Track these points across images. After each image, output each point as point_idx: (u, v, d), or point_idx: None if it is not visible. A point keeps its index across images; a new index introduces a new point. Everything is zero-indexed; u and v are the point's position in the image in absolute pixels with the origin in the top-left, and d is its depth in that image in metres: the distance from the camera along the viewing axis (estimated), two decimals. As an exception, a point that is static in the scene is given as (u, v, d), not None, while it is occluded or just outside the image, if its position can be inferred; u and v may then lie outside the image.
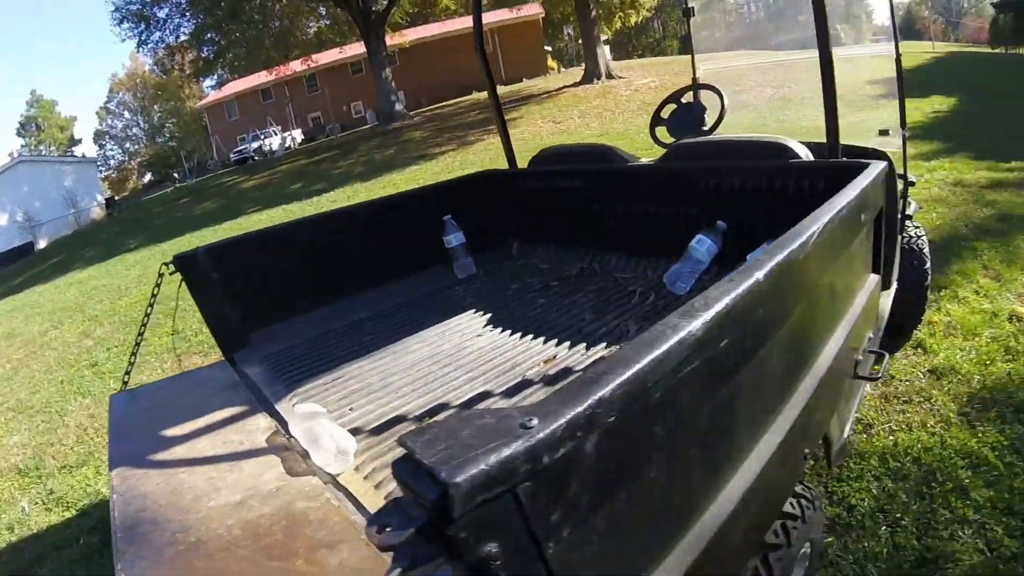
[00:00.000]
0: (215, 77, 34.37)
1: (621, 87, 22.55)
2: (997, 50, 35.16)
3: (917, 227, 3.62)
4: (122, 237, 20.00)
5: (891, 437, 3.01)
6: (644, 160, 3.37)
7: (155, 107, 64.36)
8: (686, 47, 4.86)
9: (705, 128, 3.60)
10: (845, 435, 2.17)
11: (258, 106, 42.53)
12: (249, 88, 41.52)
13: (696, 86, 3.91)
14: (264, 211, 15.73)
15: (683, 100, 3.80)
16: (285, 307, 3.02)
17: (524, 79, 34.38)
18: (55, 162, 37.94)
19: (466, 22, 39.27)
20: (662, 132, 3.78)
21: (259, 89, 41.62)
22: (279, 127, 38.67)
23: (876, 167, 2.05)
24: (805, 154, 2.64)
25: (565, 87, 25.41)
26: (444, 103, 32.17)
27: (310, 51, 30.31)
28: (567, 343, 2.56)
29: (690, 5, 4.38)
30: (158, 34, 26.73)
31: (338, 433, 2.01)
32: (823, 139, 2.89)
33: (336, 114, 40.88)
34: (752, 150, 2.69)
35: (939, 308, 4.21)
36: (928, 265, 3.62)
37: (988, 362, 3.51)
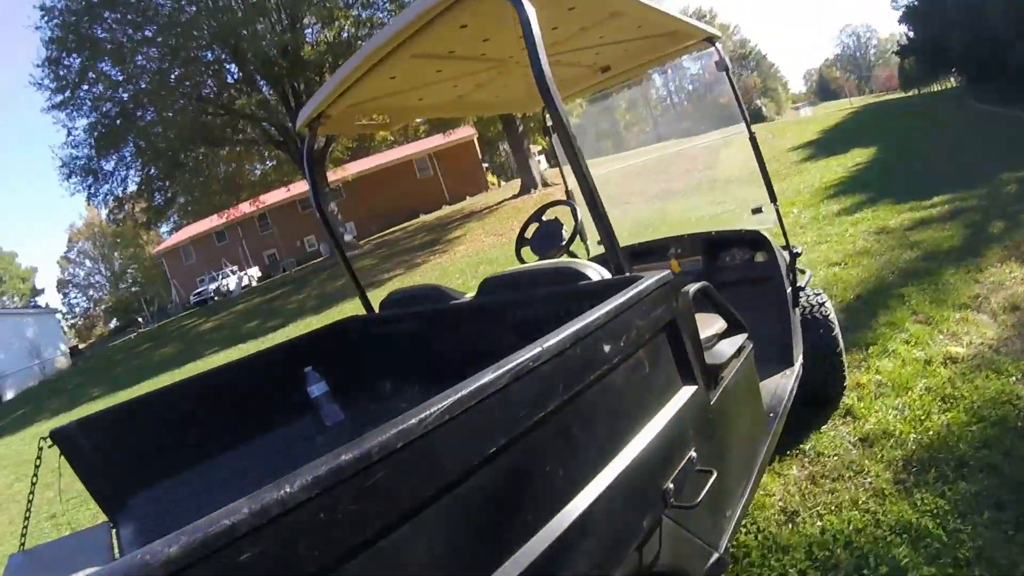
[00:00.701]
0: (170, 223, 34.48)
1: (558, 193, 23.33)
2: (909, 93, 36.76)
3: (818, 294, 3.56)
4: (85, 387, 20.15)
5: (818, 523, 2.72)
6: (467, 296, 3.24)
7: (115, 254, 64.55)
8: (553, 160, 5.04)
9: (562, 244, 3.78)
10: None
11: (213, 248, 43.04)
12: (203, 231, 42.12)
13: (550, 204, 4.11)
14: (222, 351, 16.04)
15: (543, 218, 4.02)
16: (158, 472, 3.03)
17: (467, 196, 35.88)
18: (16, 314, 37.91)
19: (407, 149, 40.71)
20: (527, 252, 3.94)
21: (213, 232, 42.18)
22: (235, 267, 39.21)
23: (643, 282, 1.74)
24: (597, 275, 2.36)
25: (505, 200, 26.57)
26: (394, 228, 33.20)
27: (257, 192, 30.69)
28: None
29: (549, 123, 4.43)
30: (107, 186, 27.16)
31: None
32: (706, 227, 3.24)
33: (290, 249, 41.42)
34: (548, 277, 2.48)
35: (868, 367, 3.99)
36: (837, 332, 3.48)
37: (923, 417, 3.27)
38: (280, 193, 34.60)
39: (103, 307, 66.73)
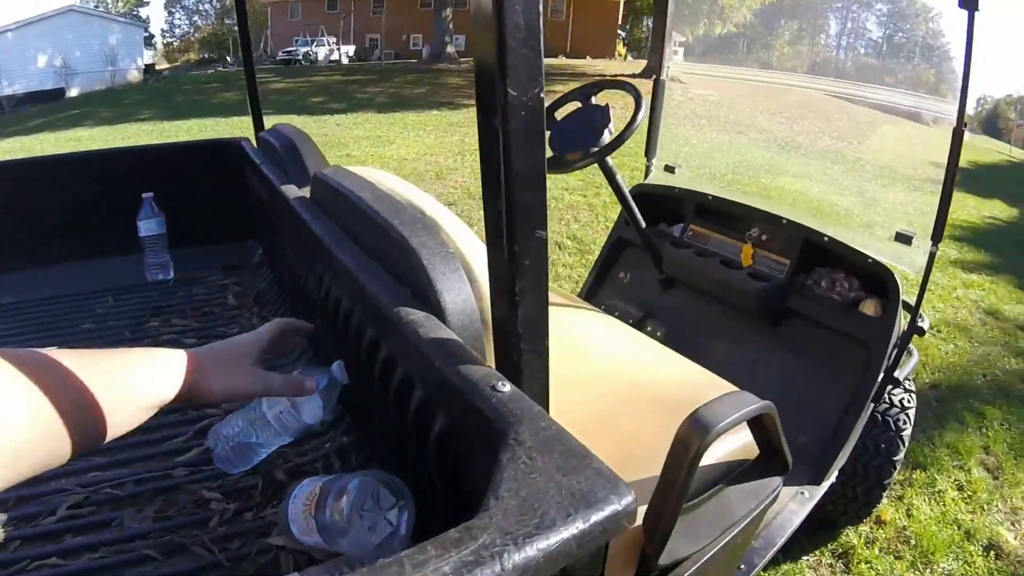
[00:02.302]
0: None
1: (676, 91, 21.66)
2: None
3: (909, 391, 2.56)
4: (141, 106, 20.46)
5: None
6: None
7: (232, -12, 64.44)
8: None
9: (595, 148, 2.48)
10: None
11: (320, 14, 42.14)
12: None
13: (607, 82, 2.78)
14: (273, 116, 15.07)
15: (593, 99, 2.70)
16: None
17: (588, 56, 33.66)
18: (105, 18, 38.63)
19: (545, -21, 38.99)
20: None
21: (325, -2, 41.46)
22: (333, 39, 38.81)
23: None
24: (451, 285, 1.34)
25: (621, 75, 24.49)
26: (503, 58, 31.68)
27: None
28: None
29: None
30: None
31: None
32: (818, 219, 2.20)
33: (393, 41, 40.34)
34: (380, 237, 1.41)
35: (901, 497, 2.99)
36: (901, 456, 2.54)
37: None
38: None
39: (200, 36, 66.68)
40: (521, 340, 0.82)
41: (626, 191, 2.70)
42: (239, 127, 14.09)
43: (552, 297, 2.07)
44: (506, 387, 0.80)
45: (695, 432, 1.19)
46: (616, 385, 1.71)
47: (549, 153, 2.53)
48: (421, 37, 38.47)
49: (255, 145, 2.75)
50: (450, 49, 27.53)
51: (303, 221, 1.64)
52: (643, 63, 27.70)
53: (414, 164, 9.62)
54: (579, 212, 6.65)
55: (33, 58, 32.95)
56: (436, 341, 0.95)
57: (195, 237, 2.69)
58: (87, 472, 1.44)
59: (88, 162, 2.85)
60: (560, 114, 2.72)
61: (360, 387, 1.29)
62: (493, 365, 0.90)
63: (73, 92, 31.58)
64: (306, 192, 1.93)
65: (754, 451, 1.51)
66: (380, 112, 15.79)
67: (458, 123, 13.70)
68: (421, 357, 0.94)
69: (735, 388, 1.62)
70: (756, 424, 1.42)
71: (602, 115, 2.57)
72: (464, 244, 1.24)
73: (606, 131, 2.50)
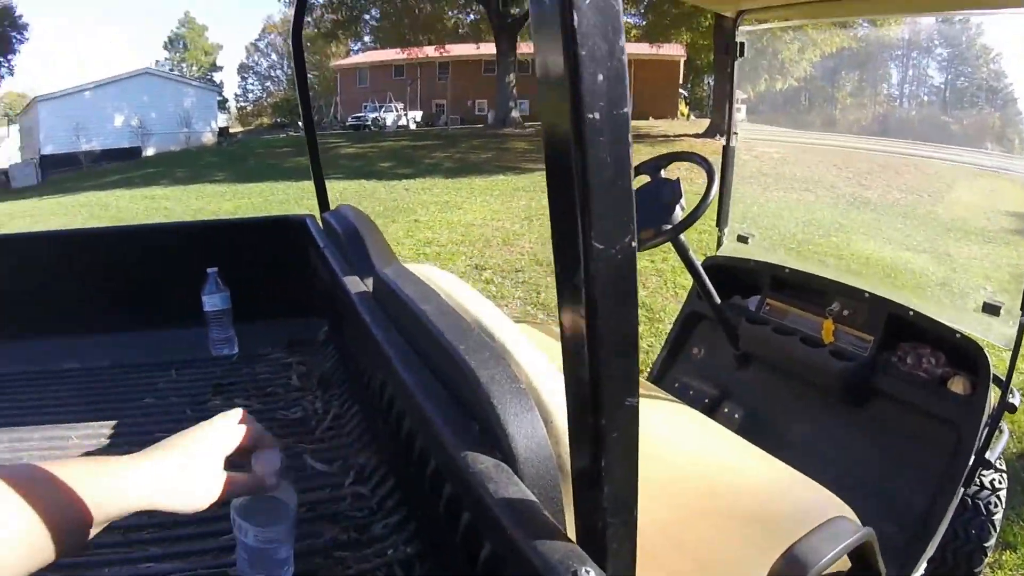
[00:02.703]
0: (357, 43, 35.78)
1: (742, 149, 21.47)
2: None
3: (1000, 474, 2.39)
4: (214, 168, 21.37)
5: None
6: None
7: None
8: (720, 101, 3.34)
9: (668, 226, 2.39)
10: None
11: (388, 80, 43.35)
12: (383, 60, 42.48)
13: (677, 155, 2.67)
14: (343, 181, 15.84)
15: (662, 172, 2.63)
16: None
17: (650, 117, 33.62)
18: (180, 81, 40.96)
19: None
20: None
21: (393, 64, 42.48)
22: (400, 105, 39.66)
23: None
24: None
25: (685, 135, 24.56)
26: (565, 121, 31.84)
27: (446, 40, 30.85)
28: None
29: (739, 40, 3.13)
30: None
31: None
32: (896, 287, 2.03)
33: (458, 106, 41.24)
34: (446, 361, 1.35)
35: None
36: (992, 541, 2.38)
37: None
38: (467, 48, 34.20)
39: (272, 101, 69.20)
40: (607, 515, 0.73)
41: (698, 265, 2.62)
42: (308, 190, 14.50)
43: None
44: (590, 574, 0.71)
45: (793, 572, 1.13)
46: (690, 489, 1.59)
47: None
48: (486, 102, 39.18)
49: (320, 223, 2.74)
50: (515, 114, 27.81)
51: (364, 322, 1.58)
52: (706, 122, 27.62)
53: (481, 229, 9.69)
54: (647, 278, 6.59)
55: (110, 117, 34.99)
56: (508, 501, 0.86)
57: (258, 312, 2.65)
58: (139, 562, 1.42)
59: (154, 234, 2.92)
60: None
61: (424, 508, 1.24)
62: (571, 526, 0.81)
63: (149, 151, 33.35)
64: (368, 285, 1.86)
65: (847, 563, 1.42)
66: (447, 177, 16.02)
67: (524, 188, 13.79)
68: (490, 513, 0.86)
69: (822, 491, 1.54)
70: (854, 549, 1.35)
71: (673, 190, 2.50)
72: (536, 374, 1.13)
73: (678, 207, 2.45)
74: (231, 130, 48.66)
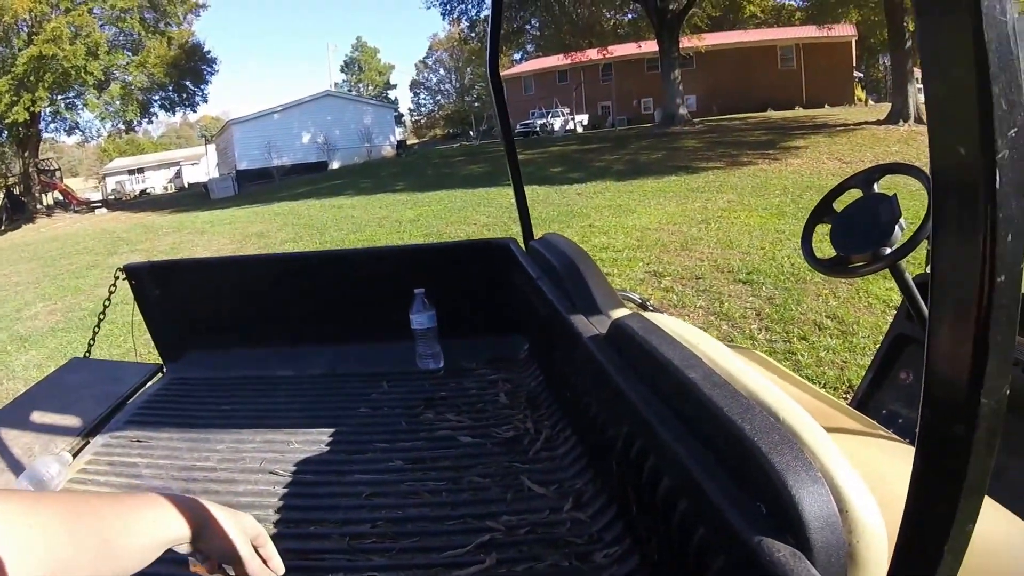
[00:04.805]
0: (519, 52, 36.47)
1: (920, 137, 19.90)
2: None
3: None
4: (394, 179, 22.57)
5: None
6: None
7: (467, 69, 68.72)
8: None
9: (888, 250, 2.04)
10: None
11: (552, 86, 43.88)
12: (546, 68, 43.12)
13: (892, 166, 2.25)
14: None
15: (875, 187, 2.25)
16: (223, 337, 2.96)
17: (825, 105, 32.07)
18: (358, 101, 44.57)
19: (774, 33, 37.56)
20: (823, 236, 2.28)
21: (556, 71, 42.86)
22: (566, 109, 40.21)
23: None
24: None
25: (866, 123, 22.82)
26: (734, 115, 30.93)
27: (608, 42, 30.78)
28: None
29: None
30: (461, 5, 29.26)
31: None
32: None
33: (625, 106, 41.10)
34: (725, 436, 1.25)
35: None
36: None
37: None
38: (629, 47, 33.96)
39: (443, 113, 71.90)
40: None
41: (914, 288, 2.24)
42: (483, 197, 15.22)
43: (824, 409, 1.96)
44: None
45: None
46: None
47: (831, 252, 2.19)
48: (652, 100, 38.64)
49: (522, 247, 2.85)
50: (682, 111, 27.13)
51: (603, 369, 1.54)
52: (885, 107, 25.85)
53: (657, 233, 9.60)
54: (837, 287, 6.29)
55: (298, 135, 38.43)
56: None
57: (461, 329, 2.78)
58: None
59: (367, 258, 3.18)
60: (838, 204, 2.30)
61: (668, 556, 1.20)
62: None
63: (334, 165, 36.62)
64: (594, 322, 1.82)
65: None
66: (618, 180, 15.90)
67: (698, 188, 13.54)
68: None
69: None
70: None
71: (891, 208, 2.13)
72: (824, 454, 1.04)
73: (896, 227, 2.08)
74: (408, 142, 50.92)
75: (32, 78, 28.05)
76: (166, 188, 51.78)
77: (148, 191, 49.94)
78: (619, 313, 1.75)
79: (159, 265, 2.93)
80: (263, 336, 2.96)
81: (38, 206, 32.63)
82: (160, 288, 2.90)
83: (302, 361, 2.84)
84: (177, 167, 57.43)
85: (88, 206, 33.65)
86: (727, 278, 7.06)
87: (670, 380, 1.29)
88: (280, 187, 27.60)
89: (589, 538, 1.47)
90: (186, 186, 48.68)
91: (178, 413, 2.46)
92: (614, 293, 2.11)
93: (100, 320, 2.97)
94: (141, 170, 56.71)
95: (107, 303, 2.90)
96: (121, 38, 32.90)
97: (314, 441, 2.13)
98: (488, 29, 2.82)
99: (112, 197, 44.08)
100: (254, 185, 31.65)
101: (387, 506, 1.74)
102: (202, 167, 51.66)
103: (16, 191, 32.98)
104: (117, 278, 2.83)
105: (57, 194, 35.41)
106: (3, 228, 28.58)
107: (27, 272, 13.92)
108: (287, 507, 1.78)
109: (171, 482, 1.96)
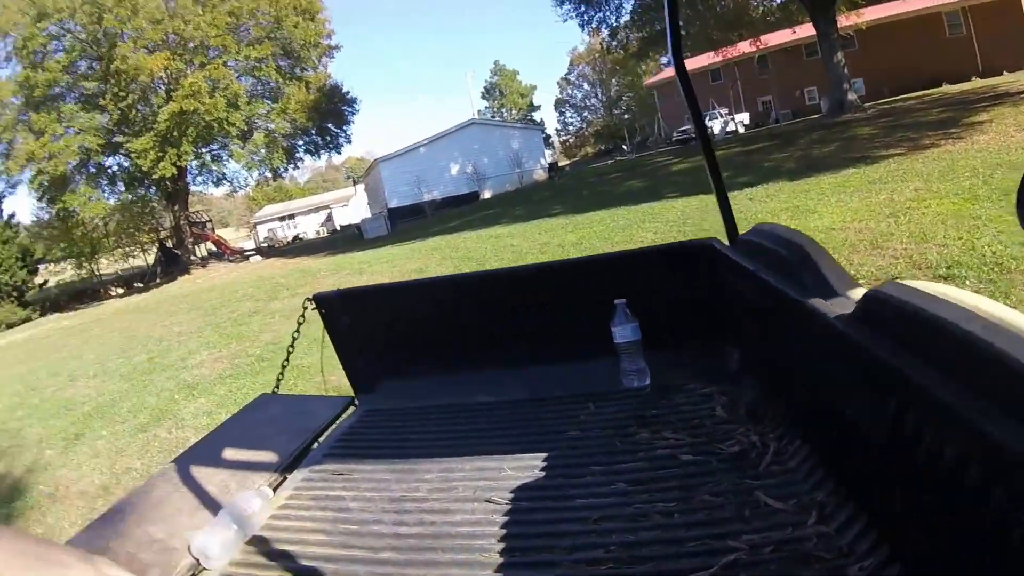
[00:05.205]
0: (667, 54, 36.27)
1: None
2: None
3: None
4: (550, 202, 22.47)
5: None
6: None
7: (612, 80, 68.57)
8: None
9: None
10: None
11: (706, 86, 42.27)
12: (698, 68, 40.74)
13: None
14: (680, 199, 15.71)
15: None
16: (416, 365, 2.95)
17: (1005, 71, 29.19)
18: (503, 126, 45.13)
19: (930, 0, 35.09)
20: None
21: (708, 69, 41.29)
22: (725, 110, 39.02)
23: None
24: None
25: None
26: (908, 94, 28.90)
27: (759, 32, 29.78)
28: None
29: None
30: (600, 14, 28.80)
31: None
32: None
33: (786, 99, 39.33)
34: None
35: None
36: None
37: None
38: (784, 35, 32.76)
39: (592, 130, 71.89)
40: None
41: None
42: (648, 213, 14.88)
43: None
44: None
45: None
46: None
47: None
48: (816, 89, 36.73)
49: (727, 244, 2.62)
50: (850, 96, 25.73)
51: (858, 345, 1.38)
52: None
53: (843, 233, 9.08)
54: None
55: (446, 167, 39.12)
56: None
57: (663, 341, 2.59)
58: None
59: (561, 271, 3.03)
60: None
61: None
62: None
63: (486, 194, 37.14)
64: (837, 308, 1.59)
65: None
66: (791, 179, 15.21)
67: (881, 179, 12.70)
68: None
69: None
70: None
71: None
72: None
73: None
74: (559, 164, 51.25)
75: (175, 133, 29.96)
76: (318, 232, 54.82)
77: (301, 236, 53.00)
78: (859, 292, 1.59)
79: (348, 292, 2.95)
80: (456, 362, 2.93)
81: (192, 257, 35.14)
82: (350, 316, 2.91)
83: (499, 385, 2.74)
84: (327, 210, 60.84)
85: (242, 255, 36.04)
86: (926, 275, 6.55)
87: (949, 340, 1.11)
88: (432, 222, 28.39)
89: (839, 552, 1.41)
90: (338, 228, 51.22)
91: (378, 444, 2.47)
92: (848, 275, 1.90)
93: (289, 353, 3.03)
94: (291, 216, 60.51)
95: (296, 335, 3.00)
96: (259, 87, 34.86)
97: (527, 467, 2.07)
98: (667, 25, 2.61)
99: (265, 244, 47.14)
100: (406, 222, 32.81)
101: (618, 530, 1.67)
102: (352, 208, 54.26)
103: (169, 244, 35.54)
104: (306, 308, 2.88)
105: (210, 245, 37.94)
106: (159, 281, 31.07)
107: (188, 322, 14.83)
108: (510, 535, 1.74)
109: (381, 515, 1.95)
